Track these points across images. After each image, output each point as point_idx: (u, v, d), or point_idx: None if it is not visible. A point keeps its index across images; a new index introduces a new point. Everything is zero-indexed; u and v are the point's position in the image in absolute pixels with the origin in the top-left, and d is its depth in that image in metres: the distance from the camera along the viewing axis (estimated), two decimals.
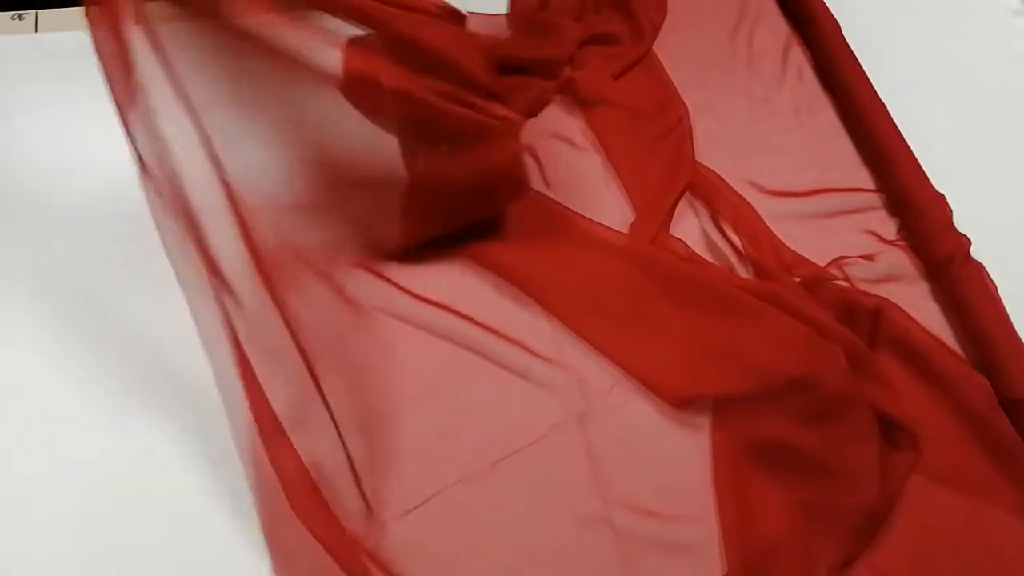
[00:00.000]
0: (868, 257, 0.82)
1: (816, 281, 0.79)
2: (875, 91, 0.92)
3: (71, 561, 0.64)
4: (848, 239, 0.84)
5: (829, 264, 0.81)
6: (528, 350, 0.74)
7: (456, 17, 0.77)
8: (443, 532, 0.66)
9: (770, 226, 0.83)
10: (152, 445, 0.68)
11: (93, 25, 0.64)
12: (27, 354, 0.72)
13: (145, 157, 0.62)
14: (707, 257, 0.82)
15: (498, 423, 0.71)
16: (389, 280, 0.76)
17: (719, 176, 0.86)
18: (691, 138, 0.89)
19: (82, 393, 0.70)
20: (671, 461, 0.71)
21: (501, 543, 0.66)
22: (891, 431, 0.70)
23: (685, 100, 0.93)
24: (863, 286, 0.79)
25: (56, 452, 0.67)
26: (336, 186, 0.75)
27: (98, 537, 0.65)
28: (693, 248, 0.82)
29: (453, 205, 0.77)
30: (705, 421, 0.72)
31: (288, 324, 0.65)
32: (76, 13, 0.92)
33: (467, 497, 0.68)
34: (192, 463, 0.68)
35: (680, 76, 0.95)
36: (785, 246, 0.82)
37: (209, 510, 0.66)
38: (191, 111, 0.63)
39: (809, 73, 0.98)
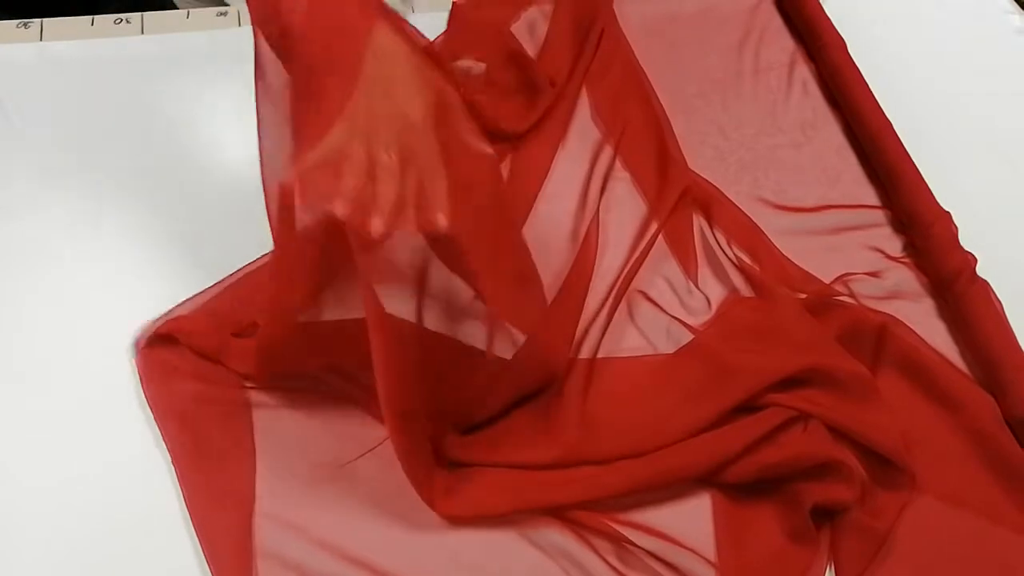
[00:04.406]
0: (874, 274, 0.82)
1: (821, 297, 0.78)
2: (881, 108, 0.92)
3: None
4: (853, 255, 0.83)
5: (834, 281, 0.81)
6: None
7: None
8: None
9: (776, 242, 0.83)
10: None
11: None
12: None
13: None
14: (706, 268, 0.82)
15: None
16: None
17: (720, 191, 0.86)
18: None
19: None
20: None
21: None
22: (885, 467, 0.69)
23: (691, 116, 0.93)
24: (869, 303, 0.79)
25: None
26: None
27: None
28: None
29: None
30: None
31: None
32: (82, 22, 0.93)
33: None
34: None
35: (686, 92, 0.95)
36: (790, 262, 0.82)
37: None
38: None
39: (815, 89, 0.98)
